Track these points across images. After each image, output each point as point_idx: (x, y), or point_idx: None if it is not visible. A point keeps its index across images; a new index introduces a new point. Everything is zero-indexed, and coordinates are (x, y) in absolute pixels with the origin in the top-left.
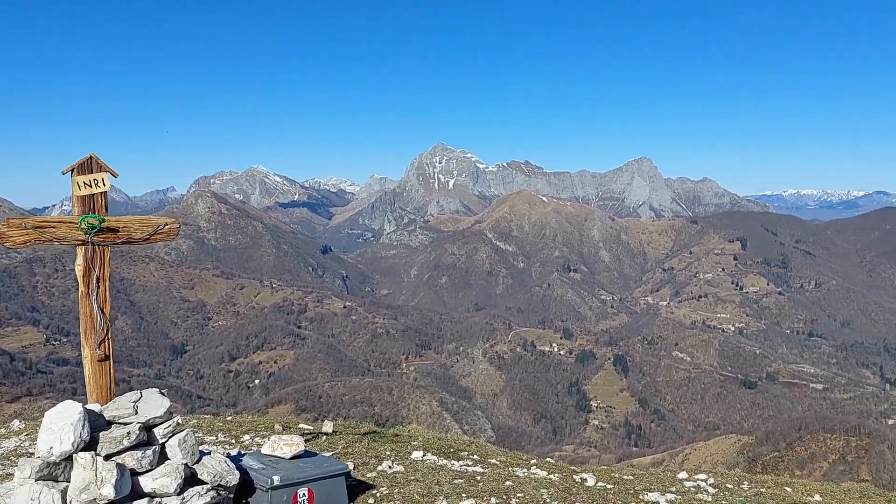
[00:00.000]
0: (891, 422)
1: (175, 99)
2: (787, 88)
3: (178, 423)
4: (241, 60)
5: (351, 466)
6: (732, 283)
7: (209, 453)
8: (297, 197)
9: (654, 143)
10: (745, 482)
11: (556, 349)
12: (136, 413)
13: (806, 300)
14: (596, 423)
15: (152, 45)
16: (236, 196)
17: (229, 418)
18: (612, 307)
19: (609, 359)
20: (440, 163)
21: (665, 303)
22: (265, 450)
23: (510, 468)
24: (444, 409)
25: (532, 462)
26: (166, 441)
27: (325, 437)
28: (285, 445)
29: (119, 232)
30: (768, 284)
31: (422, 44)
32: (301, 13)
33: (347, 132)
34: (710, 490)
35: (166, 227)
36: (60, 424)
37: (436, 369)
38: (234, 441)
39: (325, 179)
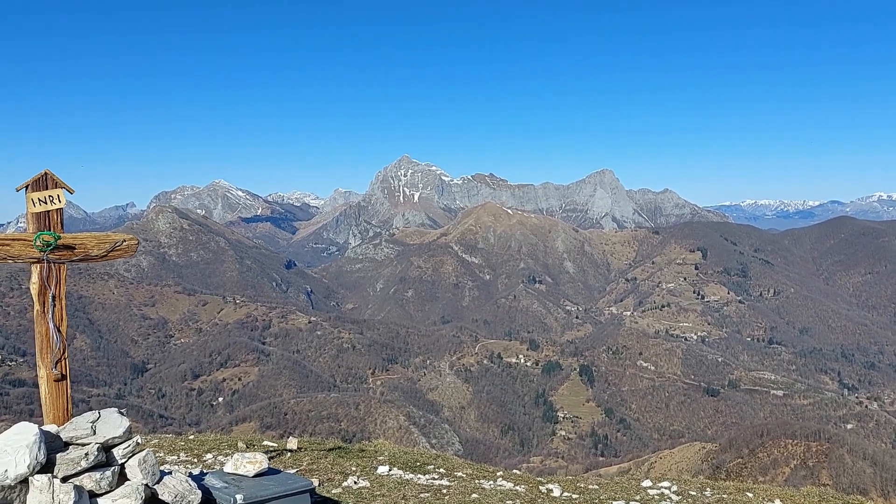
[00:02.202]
0: (849, 426)
1: (133, 112)
2: (746, 100)
3: (138, 443)
4: (202, 73)
5: (316, 483)
6: (694, 292)
7: (170, 473)
8: (260, 211)
9: (615, 155)
10: (708, 489)
11: (522, 361)
12: (95, 433)
13: (765, 308)
14: (563, 433)
15: (108, 58)
16: (198, 211)
17: (191, 437)
18: (577, 318)
19: (575, 369)
20: (405, 176)
21: (629, 312)
22: (228, 468)
23: (476, 481)
24: (412, 423)
25: (498, 474)
26: (126, 461)
27: (289, 453)
28: (248, 463)
29: (75, 249)
30: (729, 293)
31: (386, 56)
32: (262, 25)
33: (311, 145)
34: (674, 497)
35: (124, 243)
36: (15, 447)
37: (403, 383)
38: (196, 460)
39: (289, 193)
